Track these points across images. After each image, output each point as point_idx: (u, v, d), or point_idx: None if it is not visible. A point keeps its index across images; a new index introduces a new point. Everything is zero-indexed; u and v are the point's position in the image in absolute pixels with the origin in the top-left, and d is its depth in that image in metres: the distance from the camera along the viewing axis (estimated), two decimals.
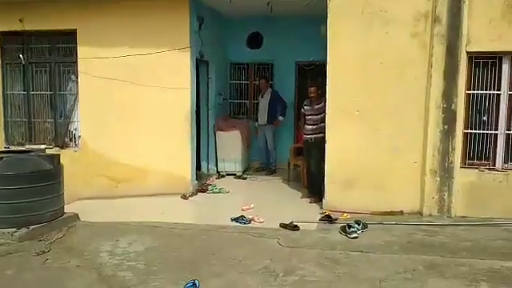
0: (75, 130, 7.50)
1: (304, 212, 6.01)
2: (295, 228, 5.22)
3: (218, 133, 8.22)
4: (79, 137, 7.37)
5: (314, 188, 6.66)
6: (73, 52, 7.22)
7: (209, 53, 7.79)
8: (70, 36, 7.16)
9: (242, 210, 6.07)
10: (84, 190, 7.14)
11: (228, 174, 8.29)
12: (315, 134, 6.55)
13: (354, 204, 5.92)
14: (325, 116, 6.41)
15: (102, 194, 7.09)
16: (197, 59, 7.24)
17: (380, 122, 5.91)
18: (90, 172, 7.23)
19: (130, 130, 7.07)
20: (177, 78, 6.92)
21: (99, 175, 7.21)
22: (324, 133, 6.45)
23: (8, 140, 7.63)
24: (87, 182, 7.21)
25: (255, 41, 8.84)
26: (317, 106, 6.53)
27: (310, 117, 6.62)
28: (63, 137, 7.45)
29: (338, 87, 5.98)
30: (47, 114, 7.54)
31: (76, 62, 7.17)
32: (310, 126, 6.60)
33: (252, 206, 6.20)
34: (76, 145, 7.44)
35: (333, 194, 6.08)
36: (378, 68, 5.85)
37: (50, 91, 7.45)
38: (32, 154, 5.34)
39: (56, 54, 7.37)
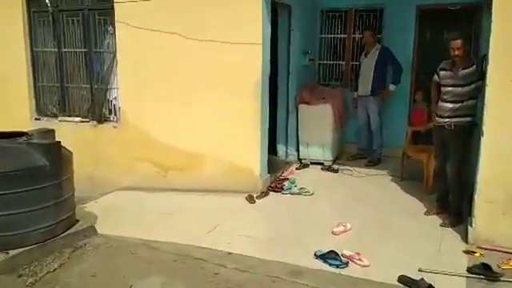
0: (115, 99, 5.73)
1: (435, 245, 3.69)
2: None
3: (302, 106, 5.99)
4: (119, 108, 5.60)
5: (450, 202, 4.26)
6: None
7: None
8: None
9: (333, 233, 3.92)
10: (125, 177, 5.49)
11: (313, 163, 6.09)
12: (457, 116, 4.07)
13: None
14: (476, 89, 3.94)
15: (146, 184, 5.37)
16: (273, 2, 4.99)
17: None
18: (133, 154, 5.49)
19: (182, 102, 5.14)
20: (243, 28, 4.76)
21: (143, 159, 5.44)
22: (473, 116, 4.03)
23: (40, 110, 6.09)
24: (129, 168, 5.51)
25: None
26: (463, 72, 4.01)
27: (449, 88, 4.11)
28: (101, 108, 5.73)
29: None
30: (82, 78, 5.83)
31: (113, 7, 5.29)
32: (450, 104, 4.10)
33: (349, 226, 4.00)
34: (117, 119, 5.69)
35: (488, 219, 3.64)
36: None
37: (85, 48, 5.70)
38: (21, 140, 3.56)
39: None
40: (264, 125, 5.06)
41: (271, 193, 5.04)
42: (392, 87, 5.87)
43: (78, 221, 4.02)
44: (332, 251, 3.46)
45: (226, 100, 4.95)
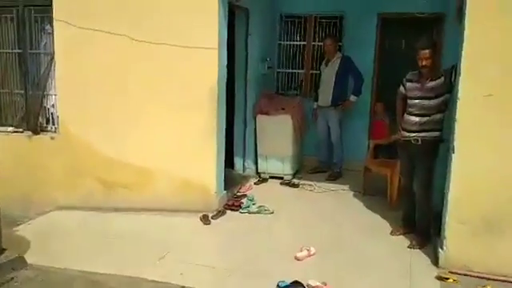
0: (52, 106, 5.13)
1: (405, 271, 3.43)
2: None
3: (260, 117, 5.64)
4: (58, 117, 5.00)
5: (416, 221, 4.04)
6: None
7: None
8: None
9: (297, 258, 3.58)
10: (65, 195, 4.94)
11: (272, 177, 5.75)
12: (424, 131, 3.85)
13: (502, 264, 3.29)
14: (444, 103, 3.75)
15: (89, 203, 4.83)
16: (230, 3, 4.62)
17: None
18: (74, 169, 4.91)
19: (129, 111, 4.64)
20: (198, 31, 4.35)
21: (85, 175, 4.88)
22: (440, 130, 3.83)
23: None
24: (69, 184, 4.93)
25: None
26: (431, 84, 3.81)
27: (416, 101, 3.88)
28: (36, 116, 5.10)
29: (486, 52, 3.22)
30: (16, 83, 5.19)
31: (51, 3, 4.70)
32: (416, 118, 3.87)
33: (313, 251, 3.67)
34: (55, 129, 5.09)
35: (460, 241, 3.42)
36: None
37: (19, 49, 5.07)
38: None
39: None
40: (220, 136, 4.66)
41: (228, 211, 4.64)
42: (353, 98, 5.65)
43: (4, 250, 3.47)
44: (297, 282, 3.10)
45: (179, 109, 4.50)
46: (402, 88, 4.08)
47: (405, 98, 4.04)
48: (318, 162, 6.09)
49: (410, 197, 4.08)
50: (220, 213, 4.54)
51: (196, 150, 4.55)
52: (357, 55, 5.74)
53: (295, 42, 6.43)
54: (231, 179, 5.39)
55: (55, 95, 4.99)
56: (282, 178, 5.70)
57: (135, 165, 4.70)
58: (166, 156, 4.60)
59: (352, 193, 5.29)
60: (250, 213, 4.62)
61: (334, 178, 5.77)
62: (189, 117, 4.50)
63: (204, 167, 4.60)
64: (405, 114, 4.01)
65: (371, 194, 5.13)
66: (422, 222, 3.98)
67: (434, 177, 3.91)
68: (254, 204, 4.78)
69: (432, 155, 3.88)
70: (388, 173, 4.75)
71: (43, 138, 5.05)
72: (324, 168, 6.00)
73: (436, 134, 3.84)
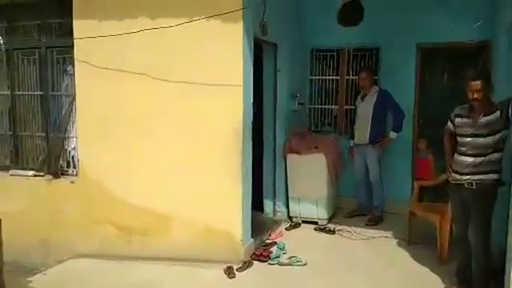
0: (73, 149, 4.93)
1: None
2: None
3: (290, 156, 5.23)
4: (78, 160, 4.79)
5: (473, 277, 3.44)
6: (67, 29, 4.64)
7: (277, 30, 4.87)
8: (62, 4, 4.59)
9: None
10: (83, 242, 4.69)
11: (305, 221, 5.27)
12: (479, 173, 3.32)
13: None
14: (500, 139, 3.26)
15: (109, 251, 4.56)
16: (256, 38, 4.33)
17: None
18: (93, 215, 4.66)
19: (149, 154, 4.37)
20: (222, 67, 4.06)
21: (104, 221, 4.60)
22: (498, 172, 3.31)
23: None
24: (88, 231, 4.69)
25: (352, 14, 5.65)
26: (484, 120, 3.31)
27: (468, 139, 3.38)
28: (57, 159, 4.92)
29: None
30: (37, 125, 5.05)
31: (73, 44, 4.58)
32: (469, 158, 3.35)
33: None
34: (76, 172, 4.87)
35: None
36: None
37: (41, 91, 4.96)
38: None
39: (47, 34, 4.86)
40: (246, 178, 4.27)
41: (255, 262, 4.18)
42: (393, 135, 5.16)
43: None
44: None
45: (202, 150, 4.18)
46: (450, 124, 3.61)
47: (453, 135, 3.56)
48: (356, 205, 5.56)
49: (465, 248, 3.50)
50: (246, 264, 4.09)
51: (221, 194, 4.17)
52: (395, 88, 5.28)
53: (328, 77, 6.06)
54: (260, 224, 4.95)
55: (76, 137, 4.80)
56: (316, 223, 5.20)
57: (155, 210, 4.37)
58: (188, 201, 4.26)
59: (395, 241, 4.72)
60: (280, 264, 4.14)
61: (375, 222, 5.22)
62: (212, 158, 4.16)
63: (229, 212, 4.20)
64: (455, 155, 3.51)
65: (418, 242, 4.54)
66: (479, 278, 3.40)
67: (491, 225, 3.35)
68: (284, 253, 4.32)
69: (489, 200, 3.34)
70: (437, 219, 4.18)
71: (63, 181, 4.86)
72: (363, 211, 5.46)
73: (493, 176, 3.31)
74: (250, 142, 4.33)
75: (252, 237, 4.46)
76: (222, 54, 4.05)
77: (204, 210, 4.22)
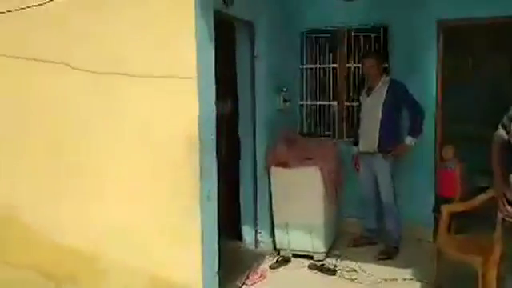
0: None
1: None
2: None
3: (276, 170, 3.99)
4: None
5: None
6: None
7: (252, 3, 3.62)
8: None
9: None
10: None
11: (296, 255, 4.04)
12: None
13: None
14: None
15: None
16: (219, 12, 3.08)
17: None
18: (6, 258, 3.42)
19: (72, 174, 3.14)
20: (167, 53, 2.83)
21: (23, 266, 3.36)
22: None
23: None
24: (4, 279, 3.41)
25: None
26: None
27: None
28: None
29: None
30: None
31: None
32: None
33: None
34: None
35: None
36: None
37: None
38: None
39: None
40: (208, 206, 3.02)
41: None
42: (410, 141, 3.91)
43: None
44: None
45: (141, 169, 2.96)
46: (501, 131, 2.47)
47: (507, 146, 2.40)
48: (362, 230, 4.32)
49: None
50: None
51: (169, 231, 2.95)
52: (410, 80, 4.05)
53: (323, 65, 4.79)
54: (236, 261, 3.77)
55: None
56: (310, 257, 3.97)
57: (84, 250, 3.15)
58: (125, 240, 3.03)
59: (418, 284, 3.48)
60: None
61: (389, 255, 3.97)
62: (156, 180, 2.94)
63: (185, 255, 2.96)
64: (511, 176, 2.30)
65: (448, 287, 3.31)
66: None
67: None
68: None
69: None
70: (479, 263, 2.94)
71: None
72: (372, 238, 4.23)
73: None
74: (213, 155, 3.08)
75: (221, 283, 3.22)
76: (166, 33, 2.82)
77: (147, 254, 2.99)
